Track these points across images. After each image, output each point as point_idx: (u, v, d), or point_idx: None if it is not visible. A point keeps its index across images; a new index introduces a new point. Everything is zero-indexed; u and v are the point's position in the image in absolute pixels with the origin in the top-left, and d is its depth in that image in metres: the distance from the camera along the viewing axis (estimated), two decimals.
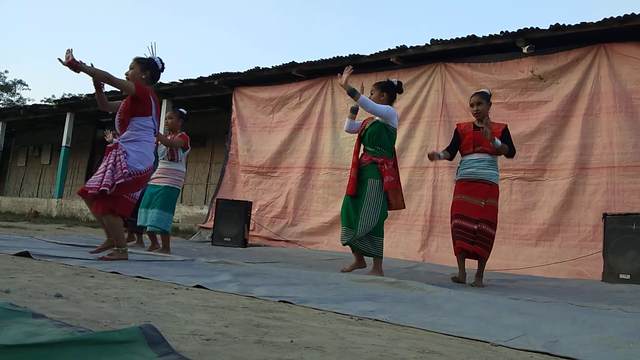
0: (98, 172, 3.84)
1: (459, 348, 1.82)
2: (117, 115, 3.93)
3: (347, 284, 3.49)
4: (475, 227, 4.09)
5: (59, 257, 3.82)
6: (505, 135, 4.26)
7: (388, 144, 4.23)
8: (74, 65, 3.61)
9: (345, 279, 3.67)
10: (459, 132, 4.37)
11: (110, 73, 3.77)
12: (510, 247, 6.26)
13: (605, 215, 5.26)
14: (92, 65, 3.74)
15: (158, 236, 5.41)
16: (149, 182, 5.06)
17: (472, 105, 4.31)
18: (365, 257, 4.27)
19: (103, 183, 3.69)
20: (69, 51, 3.62)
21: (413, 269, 5.43)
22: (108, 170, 3.72)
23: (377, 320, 2.26)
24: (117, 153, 3.78)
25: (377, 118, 4.25)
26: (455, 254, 4.29)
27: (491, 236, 4.17)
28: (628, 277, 4.86)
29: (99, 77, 3.79)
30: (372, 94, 4.35)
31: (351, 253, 4.40)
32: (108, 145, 3.95)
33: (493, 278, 4.99)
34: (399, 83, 4.47)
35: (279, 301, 2.59)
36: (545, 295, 3.55)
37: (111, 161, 3.77)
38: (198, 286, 2.92)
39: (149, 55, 4.14)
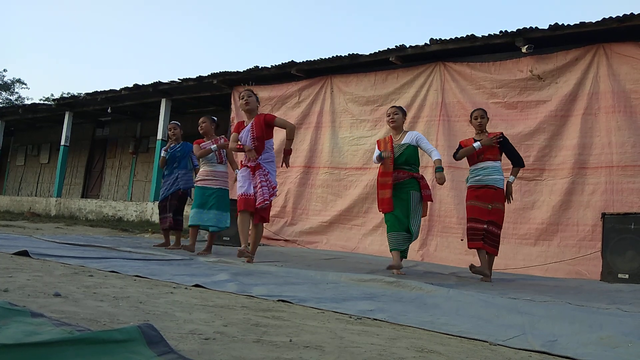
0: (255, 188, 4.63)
1: (457, 347, 1.82)
2: (249, 141, 4.71)
3: (346, 284, 3.49)
4: (484, 226, 4.61)
5: (58, 256, 3.82)
6: (504, 145, 4.79)
7: (418, 160, 4.92)
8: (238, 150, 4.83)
9: (344, 278, 3.67)
10: (461, 145, 4.92)
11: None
12: (509, 246, 6.26)
13: (604, 214, 5.26)
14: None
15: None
16: (196, 184, 5.60)
17: (475, 118, 4.87)
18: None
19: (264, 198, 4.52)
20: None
21: (412, 268, 5.43)
22: (262, 189, 4.55)
23: (376, 319, 2.26)
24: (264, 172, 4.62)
25: (407, 141, 4.81)
26: (469, 248, 4.82)
27: (497, 235, 4.68)
28: (626, 276, 4.87)
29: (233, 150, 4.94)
30: (396, 114, 4.91)
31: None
32: (250, 165, 4.70)
33: (492, 277, 4.99)
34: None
35: (278, 300, 2.59)
36: (544, 295, 3.56)
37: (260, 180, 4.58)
38: (197, 285, 2.92)
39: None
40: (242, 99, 4.86)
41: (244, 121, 4.93)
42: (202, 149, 5.52)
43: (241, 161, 4.96)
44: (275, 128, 4.87)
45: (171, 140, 6.20)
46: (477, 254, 4.79)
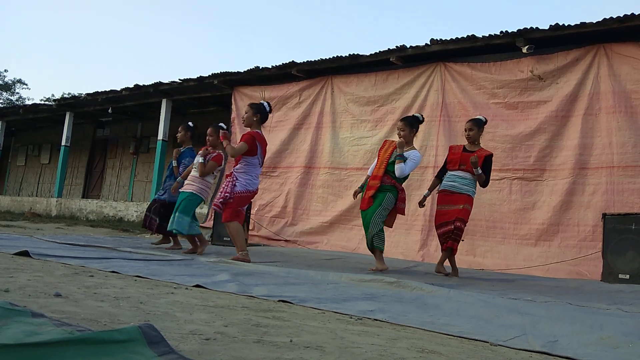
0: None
1: (458, 348, 1.82)
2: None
3: (347, 284, 3.49)
4: (452, 227, 4.75)
5: (59, 257, 3.82)
6: (486, 163, 4.87)
7: (405, 177, 4.92)
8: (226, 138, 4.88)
9: (345, 279, 3.67)
10: (450, 151, 5.05)
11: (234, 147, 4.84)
12: (510, 247, 6.27)
13: (604, 215, 5.26)
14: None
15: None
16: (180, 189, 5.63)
17: (465, 130, 4.96)
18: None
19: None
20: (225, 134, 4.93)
21: (412, 268, 5.43)
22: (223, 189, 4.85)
23: (376, 319, 2.26)
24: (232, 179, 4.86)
25: (405, 155, 4.81)
26: (443, 249, 4.95)
27: (461, 229, 4.80)
28: (627, 277, 4.87)
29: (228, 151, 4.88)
30: (403, 130, 4.88)
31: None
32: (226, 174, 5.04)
33: (492, 278, 4.99)
34: (423, 117, 5.16)
35: (279, 301, 2.59)
36: (544, 295, 3.55)
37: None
38: (197, 286, 2.92)
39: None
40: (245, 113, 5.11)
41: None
42: (206, 168, 5.52)
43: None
44: (269, 133, 5.08)
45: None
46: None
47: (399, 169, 4.72)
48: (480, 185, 4.92)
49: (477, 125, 4.94)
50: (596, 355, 1.81)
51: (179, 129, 6.19)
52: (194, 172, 5.58)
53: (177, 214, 5.43)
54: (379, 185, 4.77)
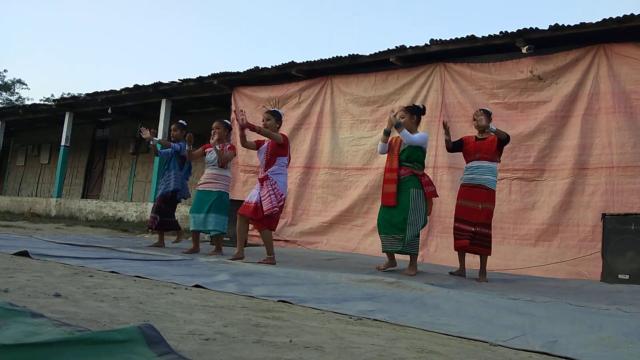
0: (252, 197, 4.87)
1: (458, 348, 1.82)
2: (263, 156, 4.96)
3: (346, 284, 3.49)
4: (473, 229, 4.67)
5: (58, 257, 3.82)
6: (499, 141, 4.83)
7: (423, 160, 4.87)
8: (250, 126, 4.74)
9: (345, 279, 3.67)
10: (463, 140, 5.06)
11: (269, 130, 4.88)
12: (509, 247, 6.26)
13: (604, 215, 5.26)
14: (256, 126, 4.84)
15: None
16: (198, 188, 5.67)
17: (474, 119, 4.98)
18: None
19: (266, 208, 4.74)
20: (243, 113, 4.83)
21: None
22: (270, 197, 4.77)
23: (376, 320, 2.26)
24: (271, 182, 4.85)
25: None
26: (455, 249, 4.91)
27: (488, 235, 4.75)
28: (627, 277, 4.87)
29: (263, 133, 4.86)
30: (402, 118, 4.83)
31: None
32: (259, 177, 4.98)
33: (492, 278, 4.99)
34: (424, 107, 5.14)
35: (278, 301, 2.59)
36: (544, 295, 3.55)
37: (268, 189, 4.81)
38: (197, 286, 2.92)
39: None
40: (263, 120, 5.10)
41: (264, 140, 5.17)
42: (226, 155, 5.63)
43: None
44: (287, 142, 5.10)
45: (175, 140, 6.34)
46: (460, 255, 4.94)
47: (405, 135, 4.65)
48: (504, 141, 4.81)
49: (487, 114, 4.96)
50: (596, 355, 1.81)
51: (173, 127, 6.36)
52: (213, 170, 5.63)
53: (211, 214, 5.48)
54: (397, 180, 4.70)
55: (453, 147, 5.06)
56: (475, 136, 4.99)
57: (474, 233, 4.67)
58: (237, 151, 5.80)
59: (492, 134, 4.83)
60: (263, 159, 4.99)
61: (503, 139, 4.82)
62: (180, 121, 6.49)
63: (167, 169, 6.23)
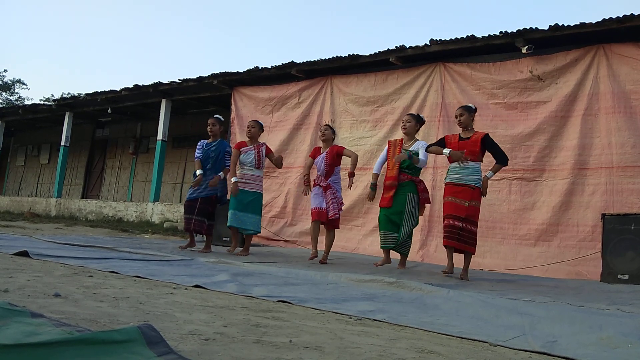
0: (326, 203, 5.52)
1: (457, 348, 1.82)
2: (323, 166, 5.59)
3: (346, 284, 3.49)
4: (461, 224, 4.71)
5: (58, 257, 3.82)
6: (488, 143, 4.82)
7: (420, 168, 5.29)
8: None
9: (344, 279, 3.67)
10: (446, 140, 5.03)
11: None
12: (509, 247, 6.27)
13: (604, 215, 5.26)
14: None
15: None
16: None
17: (456, 117, 4.99)
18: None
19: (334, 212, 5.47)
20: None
21: (412, 268, 5.43)
22: (333, 204, 5.48)
23: (376, 320, 2.26)
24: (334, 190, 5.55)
25: (414, 148, 5.18)
26: (444, 245, 4.91)
27: (474, 233, 4.80)
28: (627, 277, 4.87)
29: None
30: (409, 122, 5.29)
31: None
32: (322, 185, 5.57)
33: (492, 278, 4.99)
34: (424, 119, 5.63)
35: (278, 301, 2.59)
36: (543, 296, 3.55)
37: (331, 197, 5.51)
38: (197, 286, 2.92)
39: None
40: (320, 131, 5.84)
41: (320, 147, 5.82)
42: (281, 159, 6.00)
43: (314, 180, 5.74)
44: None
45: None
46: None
47: (421, 163, 5.11)
48: (500, 162, 4.77)
49: (467, 110, 4.91)
50: (595, 355, 1.81)
51: (212, 122, 5.98)
52: (250, 172, 5.71)
53: (250, 214, 5.65)
54: (396, 185, 5.11)
55: (436, 145, 5.10)
56: (459, 134, 4.95)
57: (461, 229, 4.69)
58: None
59: (475, 133, 4.82)
60: (323, 169, 5.58)
61: (501, 160, 4.81)
62: (217, 116, 6.09)
63: (212, 169, 5.88)
